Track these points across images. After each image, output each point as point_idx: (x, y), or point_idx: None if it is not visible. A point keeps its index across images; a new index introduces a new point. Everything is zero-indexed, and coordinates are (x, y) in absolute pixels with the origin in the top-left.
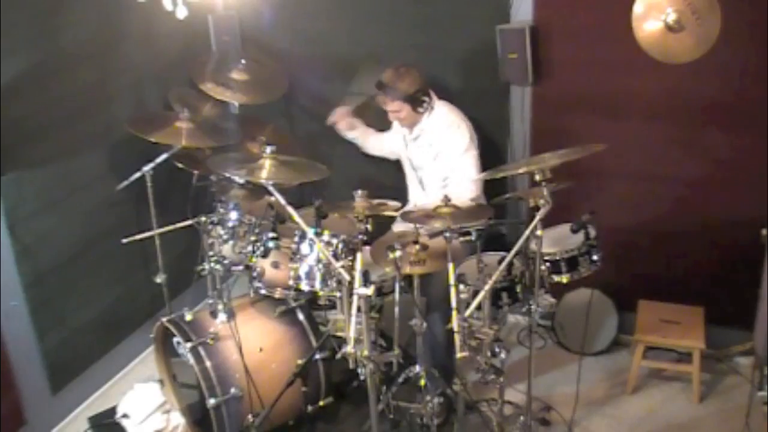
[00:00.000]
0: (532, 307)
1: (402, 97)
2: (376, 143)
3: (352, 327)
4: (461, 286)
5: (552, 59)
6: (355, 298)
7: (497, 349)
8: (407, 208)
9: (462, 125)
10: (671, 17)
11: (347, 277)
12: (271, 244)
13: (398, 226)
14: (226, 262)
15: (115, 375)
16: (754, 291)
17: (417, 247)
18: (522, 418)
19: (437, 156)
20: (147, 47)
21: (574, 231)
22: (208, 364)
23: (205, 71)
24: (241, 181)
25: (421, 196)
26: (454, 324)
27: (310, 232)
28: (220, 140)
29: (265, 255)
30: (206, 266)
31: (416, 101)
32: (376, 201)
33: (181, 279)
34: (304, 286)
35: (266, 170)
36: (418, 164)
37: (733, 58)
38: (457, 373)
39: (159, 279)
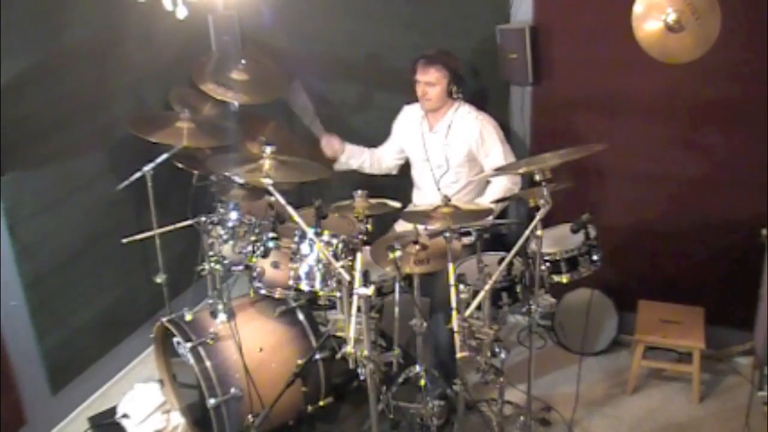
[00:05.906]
0: (532, 307)
1: (447, 68)
2: (374, 162)
3: (352, 327)
4: (461, 286)
5: (552, 59)
6: (355, 298)
7: (497, 349)
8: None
9: (490, 119)
10: (671, 17)
11: (347, 277)
12: (271, 244)
13: (401, 226)
14: (226, 262)
15: (115, 375)
16: (754, 291)
17: (417, 247)
18: (522, 418)
19: (470, 151)
20: (147, 47)
21: (574, 231)
22: (208, 364)
23: (205, 71)
24: (241, 181)
25: (435, 196)
26: (454, 324)
27: (310, 232)
28: (220, 140)
29: (265, 255)
30: (206, 266)
31: (456, 80)
32: (376, 201)
33: (181, 279)
34: (304, 286)
35: (266, 170)
36: (440, 163)
37: (733, 58)
38: (458, 373)
39: (159, 279)
